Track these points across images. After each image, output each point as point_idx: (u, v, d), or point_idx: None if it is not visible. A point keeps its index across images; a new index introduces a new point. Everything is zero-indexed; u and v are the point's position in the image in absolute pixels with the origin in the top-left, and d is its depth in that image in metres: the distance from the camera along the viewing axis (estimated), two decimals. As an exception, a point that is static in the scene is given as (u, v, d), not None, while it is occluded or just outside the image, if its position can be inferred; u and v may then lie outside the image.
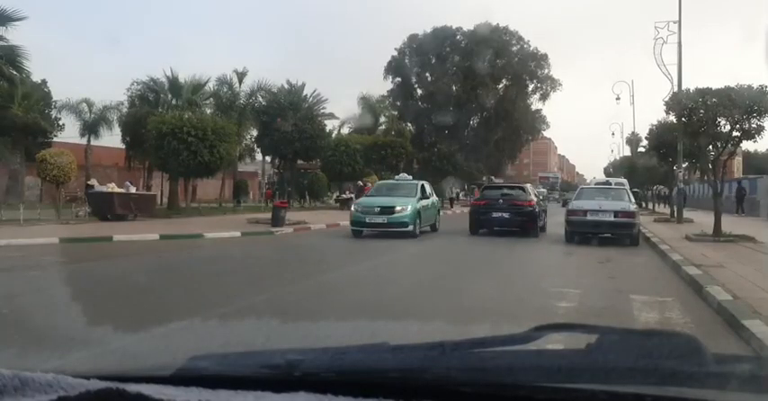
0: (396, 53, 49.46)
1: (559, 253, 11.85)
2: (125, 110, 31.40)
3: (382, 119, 44.87)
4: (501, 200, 15.22)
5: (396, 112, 47.14)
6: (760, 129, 12.39)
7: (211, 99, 32.85)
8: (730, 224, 14.48)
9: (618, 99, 31.51)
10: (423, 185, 16.66)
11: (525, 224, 14.90)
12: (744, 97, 11.94)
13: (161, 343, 4.27)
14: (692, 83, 33.01)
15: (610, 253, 11.24)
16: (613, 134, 61.32)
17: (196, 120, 20.99)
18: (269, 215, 17.23)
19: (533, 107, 50.75)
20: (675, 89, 17.73)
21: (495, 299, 6.51)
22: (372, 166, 32.76)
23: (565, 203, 36.20)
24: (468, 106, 46.93)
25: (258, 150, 37.31)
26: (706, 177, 16.82)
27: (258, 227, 16.47)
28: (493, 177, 51.98)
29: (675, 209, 21.31)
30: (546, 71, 49.03)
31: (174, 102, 30.20)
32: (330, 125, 38.41)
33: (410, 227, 14.33)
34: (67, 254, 10.18)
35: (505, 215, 14.95)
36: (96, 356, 3.72)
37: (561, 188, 79.76)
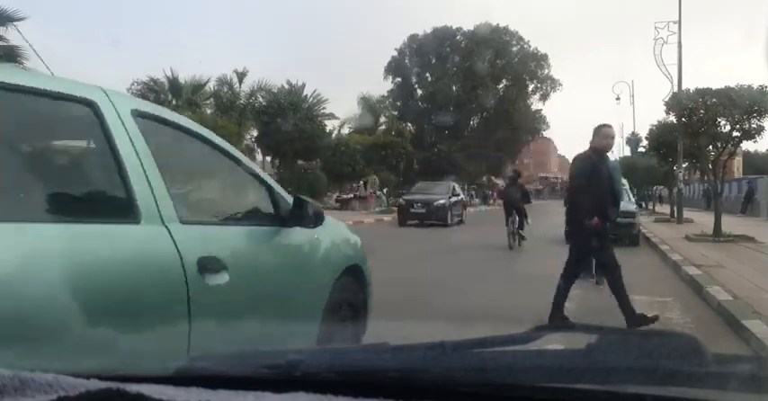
0: (396, 53, 49.46)
1: (560, 254, 11.80)
2: (125, 110, 31.41)
3: (382, 119, 44.80)
4: None
5: (396, 112, 47.08)
6: (760, 130, 12.40)
7: (211, 99, 32.85)
8: (731, 224, 14.47)
9: (618, 99, 31.61)
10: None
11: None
12: (744, 97, 11.94)
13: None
14: (692, 83, 33.03)
15: (610, 253, 11.20)
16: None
17: (196, 121, 21.00)
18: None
19: (533, 107, 50.78)
20: (675, 89, 17.77)
21: (496, 299, 6.51)
22: (372, 166, 32.75)
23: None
24: (468, 106, 46.90)
25: (258, 150, 37.30)
26: (706, 177, 16.81)
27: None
28: (493, 177, 51.93)
29: (675, 209, 21.33)
30: (546, 71, 49.07)
31: (174, 102, 30.20)
32: (330, 125, 38.34)
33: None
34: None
35: None
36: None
37: (561, 188, 79.62)
